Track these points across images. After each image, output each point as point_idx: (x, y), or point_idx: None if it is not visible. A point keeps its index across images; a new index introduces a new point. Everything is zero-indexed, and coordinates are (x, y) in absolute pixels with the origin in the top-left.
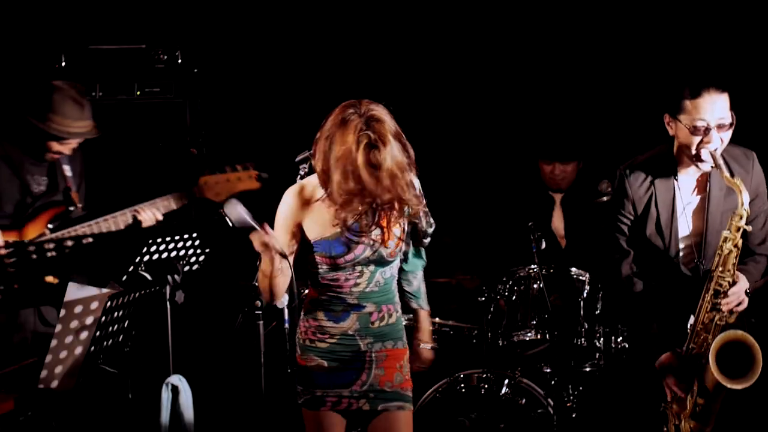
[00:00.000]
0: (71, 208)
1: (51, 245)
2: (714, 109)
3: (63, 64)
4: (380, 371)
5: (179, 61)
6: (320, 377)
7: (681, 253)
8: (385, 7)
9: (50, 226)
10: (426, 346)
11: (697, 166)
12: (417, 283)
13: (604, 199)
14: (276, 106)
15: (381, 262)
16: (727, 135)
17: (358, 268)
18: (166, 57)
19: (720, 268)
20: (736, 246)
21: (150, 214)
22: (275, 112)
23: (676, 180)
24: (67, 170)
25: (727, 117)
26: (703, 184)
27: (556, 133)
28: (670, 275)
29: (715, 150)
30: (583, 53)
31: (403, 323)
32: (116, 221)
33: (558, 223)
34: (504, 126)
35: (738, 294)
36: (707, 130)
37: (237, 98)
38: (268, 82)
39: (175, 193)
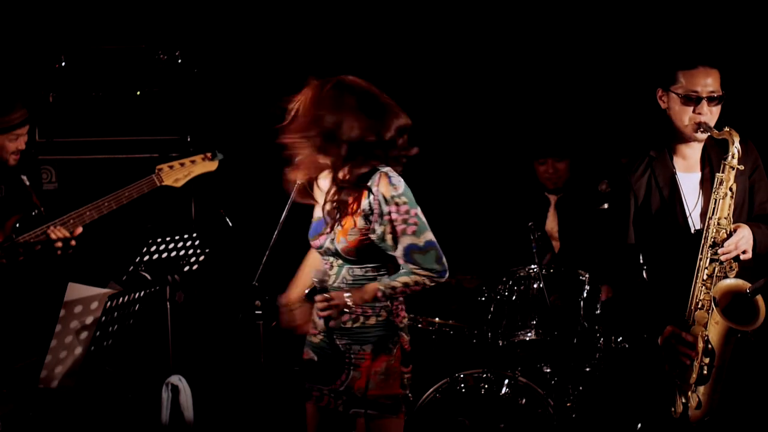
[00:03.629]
0: (34, 212)
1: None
2: (706, 81)
3: (63, 64)
4: (357, 374)
5: (179, 61)
6: (309, 371)
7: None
8: (382, 8)
9: (17, 225)
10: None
11: (692, 137)
12: (391, 276)
13: (605, 206)
14: (276, 105)
15: (341, 257)
16: (717, 110)
17: (328, 258)
18: (166, 57)
19: (716, 215)
20: (730, 189)
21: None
22: (275, 111)
23: (672, 159)
24: (26, 179)
25: (717, 91)
26: (700, 161)
27: (549, 131)
28: (690, 260)
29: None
30: (573, 52)
31: (395, 325)
32: (99, 209)
33: (552, 224)
34: (501, 127)
35: (736, 243)
36: (699, 99)
37: (237, 98)
38: (268, 82)
39: (135, 183)
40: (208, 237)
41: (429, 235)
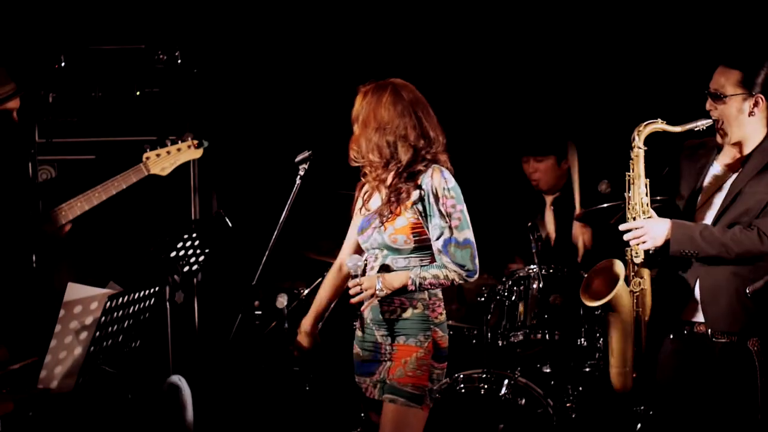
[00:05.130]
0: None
1: None
2: (718, 79)
3: (63, 64)
4: (391, 363)
5: (179, 61)
6: (356, 365)
7: None
8: (380, 8)
9: None
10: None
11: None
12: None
13: (605, 205)
14: (276, 106)
15: (389, 248)
16: (722, 109)
17: (374, 251)
18: (166, 57)
19: (632, 199)
20: (643, 175)
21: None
22: (275, 112)
23: (719, 152)
24: None
25: (720, 89)
26: (742, 161)
27: (530, 129)
28: None
29: (712, 118)
30: (569, 53)
31: (429, 319)
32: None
33: (549, 224)
34: (500, 125)
35: (636, 228)
36: (706, 95)
37: (237, 98)
38: (268, 83)
39: (123, 173)
40: (208, 237)
41: (468, 234)
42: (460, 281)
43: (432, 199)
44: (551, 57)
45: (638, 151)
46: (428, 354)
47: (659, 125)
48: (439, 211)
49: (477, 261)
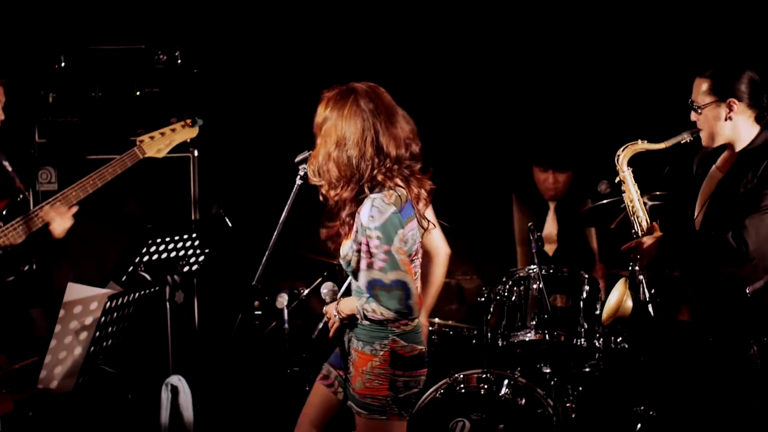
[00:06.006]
0: (20, 197)
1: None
2: (693, 90)
3: (63, 64)
4: (353, 370)
5: (179, 61)
6: (332, 354)
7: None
8: (385, 9)
9: (4, 213)
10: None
11: None
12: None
13: (605, 201)
14: (276, 106)
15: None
16: (701, 118)
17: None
18: (165, 57)
19: (635, 216)
20: (638, 198)
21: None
22: (275, 112)
23: (720, 154)
24: (7, 165)
25: (695, 100)
26: (732, 163)
27: (554, 142)
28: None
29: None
30: (580, 61)
31: (387, 328)
32: (84, 188)
33: (551, 228)
34: (503, 129)
35: (638, 243)
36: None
37: (237, 98)
38: (267, 82)
39: (118, 158)
40: (208, 237)
41: (397, 275)
42: (394, 319)
43: (359, 237)
44: (570, 71)
45: (624, 175)
46: (384, 363)
47: (640, 146)
48: (362, 251)
49: (411, 300)
